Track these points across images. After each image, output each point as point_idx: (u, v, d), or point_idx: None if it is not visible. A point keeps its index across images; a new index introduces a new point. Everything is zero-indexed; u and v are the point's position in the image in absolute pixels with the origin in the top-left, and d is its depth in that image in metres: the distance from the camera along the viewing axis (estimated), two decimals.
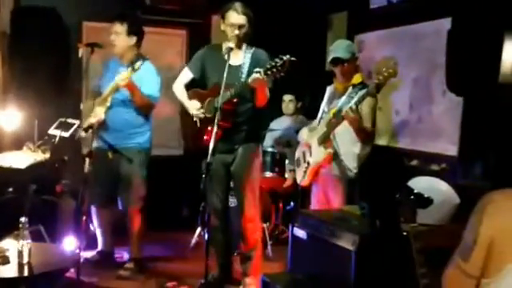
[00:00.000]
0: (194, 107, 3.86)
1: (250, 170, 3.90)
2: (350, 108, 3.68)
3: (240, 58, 3.80)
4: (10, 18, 5.10)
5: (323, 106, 4.20)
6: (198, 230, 4.97)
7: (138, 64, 3.94)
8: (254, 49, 3.83)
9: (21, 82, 5.05)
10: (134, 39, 4.26)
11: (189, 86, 4.01)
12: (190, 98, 3.93)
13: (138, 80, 4.10)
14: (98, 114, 4.14)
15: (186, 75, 3.99)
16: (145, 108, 4.26)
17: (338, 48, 4.02)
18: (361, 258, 2.90)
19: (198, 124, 3.85)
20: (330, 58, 4.01)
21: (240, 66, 3.77)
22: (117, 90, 4.06)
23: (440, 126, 4.27)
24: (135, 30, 4.27)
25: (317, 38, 5.80)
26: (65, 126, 4.51)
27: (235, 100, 3.68)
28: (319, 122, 4.14)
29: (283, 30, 5.69)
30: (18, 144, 4.73)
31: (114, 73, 4.20)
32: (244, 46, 3.83)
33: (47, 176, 4.32)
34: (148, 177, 4.45)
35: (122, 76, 3.95)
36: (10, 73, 5.10)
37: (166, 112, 5.67)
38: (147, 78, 4.20)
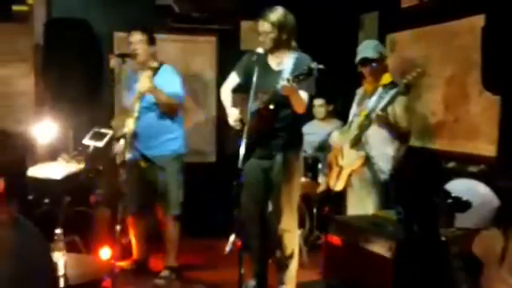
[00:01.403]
0: (232, 116, 3.85)
1: (289, 178, 3.84)
2: (378, 111, 3.65)
3: (283, 63, 3.79)
4: (42, 31, 5.19)
5: (353, 108, 4.16)
6: (232, 237, 4.94)
7: (154, 64, 4.06)
8: (297, 54, 3.80)
9: (55, 94, 5.13)
10: (153, 48, 4.37)
11: (236, 91, 4.02)
12: (235, 103, 3.93)
13: (159, 83, 4.19)
14: (128, 125, 4.18)
15: (233, 80, 4.00)
16: (172, 108, 4.30)
17: (365, 48, 3.99)
18: (398, 264, 2.85)
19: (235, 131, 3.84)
20: (357, 59, 3.97)
21: (281, 71, 3.75)
22: (141, 97, 4.15)
23: (477, 126, 4.16)
24: (154, 39, 4.39)
25: (348, 38, 5.73)
26: (99, 136, 4.55)
27: (272, 106, 3.65)
28: (350, 124, 4.09)
29: (314, 32, 5.62)
30: (53, 155, 4.81)
31: (135, 83, 4.31)
32: (286, 52, 3.80)
33: (82, 186, 4.36)
34: (184, 184, 4.46)
35: (143, 81, 4.05)
36: (44, 84, 5.20)
37: (198, 119, 5.70)
38: (168, 79, 4.27)
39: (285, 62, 3.78)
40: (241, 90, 3.96)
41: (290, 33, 3.76)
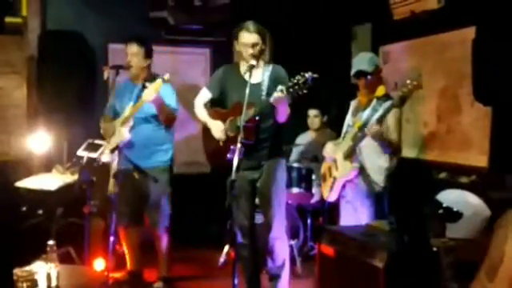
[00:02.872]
0: (217, 128, 3.86)
1: (276, 186, 3.87)
2: (373, 123, 3.66)
3: (259, 75, 3.81)
4: (37, 43, 5.21)
5: (347, 120, 4.17)
6: (226, 248, 4.94)
7: (167, 76, 4.01)
8: (272, 65, 3.84)
9: (49, 105, 5.15)
10: (148, 61, 4.38)
11: (208, 106, 4.03)
12: (212, 117, 3.94)
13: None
14: (122, 134, 4.17)
15: (205, 95, 4.01)
16: (169, 120, 4.31)
17: (361, 61, 3.99)
18: (390, 274, 2.85)
19: (221, 143, 3.85)
20: (353, 72, 3.98)
21: (260, 83, 3.77)
22: (140, 107, 4.12)
23: (469, 137, 4.18)
24: (150, 53, 4.38)
25: (341, 49, 5.77)
26: (93, 147, 4.56)
27: (257, 118, 3.68)
28: (344, 136, 4.10)
29: (307, 43, 5.67)
30: (48, 166, 4.81)
31: (129, 94, 4.31)
32: (262, 64, 3.83)
33: (76, 198, 4.36)
34: (175, 195, 4.47)
35: (152, 89, 4.00)
36: (38, 96, 5.21)
37: (192, 130, 5.71)
38: (165, 91, 4.24)
39: (261, 75, 3.80)
40: (214, 105, 3.99)
41: (267, 43, 3.79)
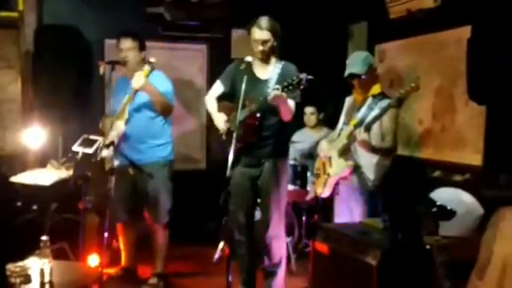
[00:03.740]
0: (219, 120, 3.87)
1: (277, 185, 3.87)
2: (361, 130, 3.68)
3: (269, 72, 3.82)
4: (33, 37, 5.19)
5: (342, 117, 4.18)
6: (221, 244, 4.95)
7: (152, 59, 4.04)
8: (283, 63, 3.83)
9: (45, 100, 5.13)
10: (143, 54, 4.37)
11: (220, 99, 4.03)
12: (220, 110, 3.94)
13: (152, 83, 4.19)
14: (118, 127, 4.16)
15: (218, 88, 4.02)
16: (166, 107, 4.29)
17: (353, 63, 3.98)
18: (383, 272, 2.86)
19: (224, 136, 3.85)
20: (346, 74, 3.98)
21: (267, 80, 3.78)
22: (133, 97, 4.13)
23: (464, 136, 4.20)
24: (144, 45, 4.39)
25: (337, 48, 5.78)
26: (88, 143, 4.55)
27: (258, 115, 3.68)
28: (339, 133, 4.11)
29: (304, 41, 5.67)
30: (42, 161, 4.80)
31: (125, 89, 4.29)
32: (273, 60, 3.84)
33: (70, 193, 4.36)
34: (172, 190, 4.46)
35: (137, 78, 4.02)
36: (33, 91, 5.19)
37: (189, 126, 5.71)
38: (159, 81, 4.26)
39: (271, 71, 3.81)
40: (225, 99, 3.99)
41: (279, 40, 3.79)
